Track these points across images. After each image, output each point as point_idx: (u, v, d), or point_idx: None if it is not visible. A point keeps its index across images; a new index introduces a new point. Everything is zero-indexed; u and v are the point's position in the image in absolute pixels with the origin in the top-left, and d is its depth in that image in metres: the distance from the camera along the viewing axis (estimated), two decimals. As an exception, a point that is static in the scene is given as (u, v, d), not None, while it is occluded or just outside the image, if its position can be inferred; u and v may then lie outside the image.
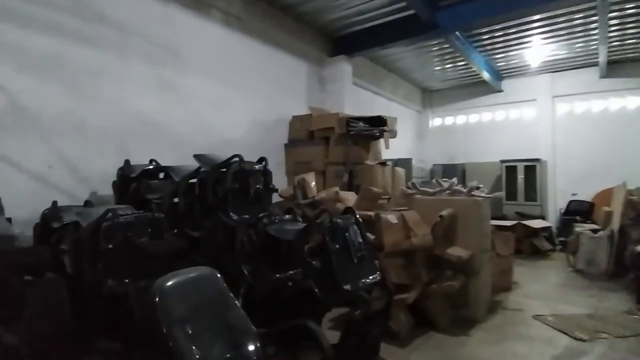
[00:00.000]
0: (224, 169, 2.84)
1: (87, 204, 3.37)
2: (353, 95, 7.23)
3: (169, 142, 4.50)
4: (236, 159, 2.83)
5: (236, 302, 2.03)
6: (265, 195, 2.95)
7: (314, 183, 4.29)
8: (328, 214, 2.41)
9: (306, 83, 6.80)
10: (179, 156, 3.66)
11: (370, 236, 2.82)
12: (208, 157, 3.06)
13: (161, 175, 3.67)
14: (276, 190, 3.06)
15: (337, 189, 4.25)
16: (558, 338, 3.39)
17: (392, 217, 3.26)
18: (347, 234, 2.39)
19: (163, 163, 3.68)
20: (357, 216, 2.56)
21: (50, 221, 3.07)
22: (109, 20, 4.08)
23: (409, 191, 3.99)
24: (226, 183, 2.74)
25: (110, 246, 2.37)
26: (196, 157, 3.08)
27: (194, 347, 1.71)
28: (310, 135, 5.93)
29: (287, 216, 2.90)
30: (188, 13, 4.89)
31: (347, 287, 2.20)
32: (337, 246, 2.30)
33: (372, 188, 4.07)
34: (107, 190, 3.71)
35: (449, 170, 9.07)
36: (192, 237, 2.90)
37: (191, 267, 2.01)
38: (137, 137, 4.29)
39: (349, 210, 2.59)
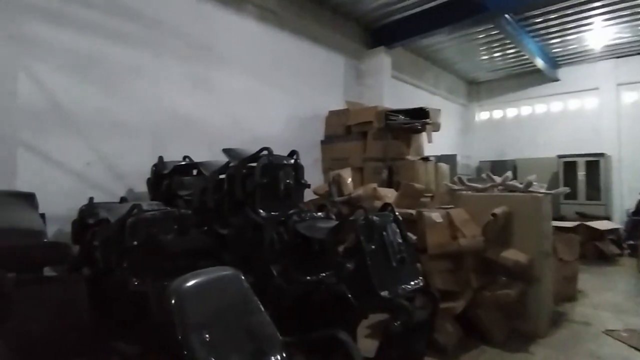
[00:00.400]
0: (253, 164, 2.68)
1: (123, 200, 3.36)
2: (392, 89, 6.89)
3: (203, 138, 4.45)
4: (265, 152, 2.66)
5: (260, 306, 1.84)
6: (296, 191, 2.76)
7: (350, 179, 4.05)
8: (363, 210, 2.15)
9: (343, 77, 6.56)
10: (213, 153, 3.57)
11: (412, 237, 2.53)
12: (237, 151, 2.92)
13: (195, 171, 3.62)
14: (308, 186, 2.85)
15: (375, 185, 3.97)
16: (636, 358, 2.90)
17: (436, 215, 2.95)
18: (384, 232, 2.13)
19: (198, 160, 3.62)
20: (397, 213, 2.29)
21: (86, 217, 3.08)
22: (145, 19, 4.10)
23: (455, 187, 3.62)
24: (254, 177, 2.57)
25: (135, 243, 2.29)
26: (225, 151, 2.96)
27: (211, 357, 1.53)
28: (347, 131, 5.68)
29: (319, 213, 2.68)
30: (223, 9, 4.83)
31: (385, 293, 1.94)
32: (373, 246, 2.04)
33: (414, 184, 3.76)
34: (144, 188, 3.72)
35: (497, 166, 8.43)
36: (221, 235, 2.77)
37: (212, 267, 1.84)
38: (173, 134, 4.28)
39: (387, 207, 2.33)
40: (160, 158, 3.69)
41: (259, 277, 2.41)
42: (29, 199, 2.56)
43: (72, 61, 3.59)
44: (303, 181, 2.82)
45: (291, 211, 2.55)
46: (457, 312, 2.73)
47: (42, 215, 2.62)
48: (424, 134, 5.21)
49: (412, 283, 2.13)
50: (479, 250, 2.92)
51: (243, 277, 1.88)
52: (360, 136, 5.48)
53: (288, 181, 2.66)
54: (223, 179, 2.89)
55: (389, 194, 3.68)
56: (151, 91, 4.15)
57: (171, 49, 4.31)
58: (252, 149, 2.79)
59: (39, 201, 2.91)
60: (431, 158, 5.32)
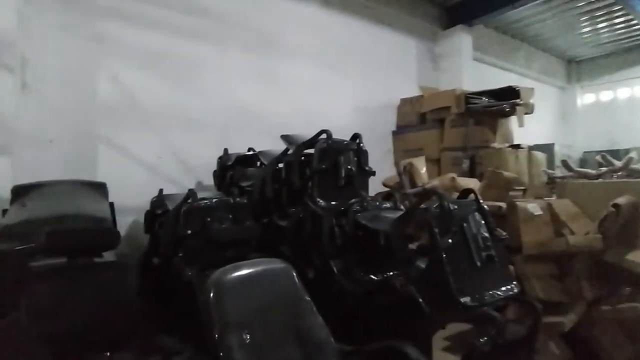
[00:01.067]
0: (312, 150, 2.44)
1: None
2: (473, 72, 6.17)
3: (269, 130, 4.32)
4: (323, 135, 2.39)
5: (313, 307, 1.58)
6: (359, 179, 2.45)
7: (424, 169, 3.60)
8: (438, 196, 1.76)
9: (416, 62, 6.04)
10: (279, 144, 3.47)
11: (501, 232, 2.06)
12: (295, 137, 2.71)
13: (259, 163, 3.52)
14: (373, 173, 2.52)
15: (453, 174, 3.47)
16: None
17: (533, 207, 2.39)
18: (465, 224, 1.71)
19: (262, 151, 3.51)
20: (480, 201, 1.85)
21: (156, 208, 3.14)
22: (209, 13, 4.13)
23: (559, 174, 2.97)
24: (312, 164, 2.32)
25: (189, 231, 2.19)
26: (283, 137, 2.77)
27: (249, 362, 1.31)
28: (421, 119, 5.19)
29: (385, 204, 2.34)
30: (286, -2, 4.71)
31: (466, 300, 1.53)
32: (451, 241, 1.64)
33: (502, 172, 3.19)
34: (212, 180, 3.73)
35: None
36: (281, 227, 2.58)
37: (260, 259, 1.63)
38: (239, 126, 4.25)
39: (468, 193, 1.90)
40: (225, 150, 3.66)
41: (317, 273, 2.16)
42: (99, 188, 2.63)
43: (145, 58, 3.73)
44: (367, 168, 2.50)
45: (352, 200, 2.24)
46: (566, 329, 2.16)
47: (111, 205, 2.69)
48: (513, 118, 4.51)
49: (504, 289, 1.68)
50: (594, 251, 2.29)
51: (295, 273, 1.64)
52: (436, 124, 4.96)
53: (350, 167, 2.36)
54: (282, 167, 2.71)
55: (471, 184, 3.16)
56: (217, 84, 4.16)
57: (236, 41, 4.29)
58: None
59: (118, 193, 3.06)
60: (523, 146, 4.59)
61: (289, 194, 2.54)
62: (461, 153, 4.54)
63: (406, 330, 1.62)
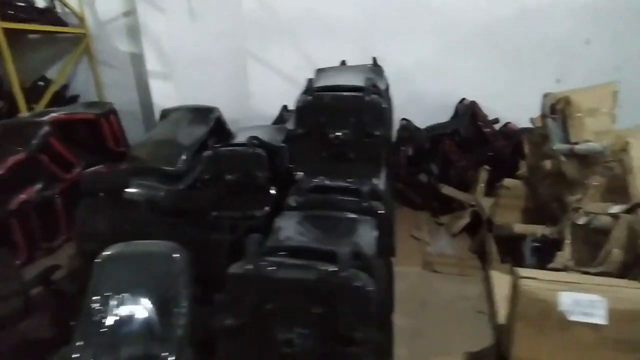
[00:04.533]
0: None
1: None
2: None
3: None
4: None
5: (186, 301, 1.58)
6: (361, 148, 1.73)
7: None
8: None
9: None
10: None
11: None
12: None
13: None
14: (386, 140, 1.70)
15: None
16: None
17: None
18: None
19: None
20: None
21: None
22: None
23: None
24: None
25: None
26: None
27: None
28: None
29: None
30: None
31: None
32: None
33: None
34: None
35: None
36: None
37: (153, 242, 1.72)
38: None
39: None
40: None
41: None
42: (205, 113, 3.11)
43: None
44: (377, 133, 1.70)
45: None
46: None
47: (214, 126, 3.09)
48: None
49: None
50: None
51: (182, 262, 1.64)
52: None
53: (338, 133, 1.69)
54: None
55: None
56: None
57: None
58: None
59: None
60: None
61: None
62: None
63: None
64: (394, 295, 2.03)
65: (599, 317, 0.98)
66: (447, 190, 3.15)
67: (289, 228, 1.42)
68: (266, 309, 1.06)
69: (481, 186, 2.96)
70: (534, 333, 1.02)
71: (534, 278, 1.04)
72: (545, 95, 2.10)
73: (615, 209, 1.53)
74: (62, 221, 2.91)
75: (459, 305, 2.31)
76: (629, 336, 0.96)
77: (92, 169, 2.67)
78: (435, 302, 2.34)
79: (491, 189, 2.85)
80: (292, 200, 1.60)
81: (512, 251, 2.27)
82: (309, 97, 1.79)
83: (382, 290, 1.20)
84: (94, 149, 3.42)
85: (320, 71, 2.29)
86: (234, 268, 1.13)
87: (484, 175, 2.96)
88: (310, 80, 1.88)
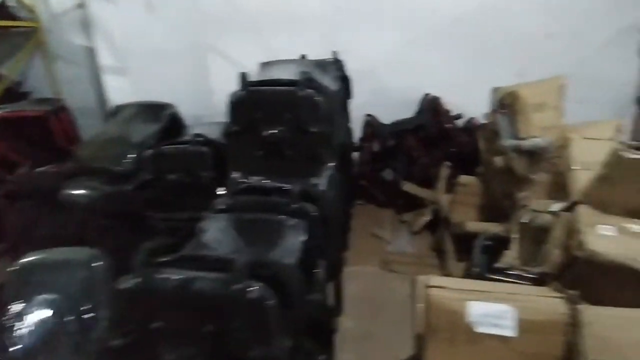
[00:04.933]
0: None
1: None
2: None
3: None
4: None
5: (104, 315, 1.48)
6: (302, 146, 1.65)
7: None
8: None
9: None
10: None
11: None
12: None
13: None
14: (327, 136, 1.62)
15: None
16: None
17: None
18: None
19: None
20: None
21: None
22: None
23: None
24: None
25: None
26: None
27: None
28: None
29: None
30: None
31: None
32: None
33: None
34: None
35: None
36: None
37: (73, 248, 1.62)
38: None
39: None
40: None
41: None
42: (158, 110, 2.98)
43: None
44: (314, 129, 1.61)
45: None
46: None
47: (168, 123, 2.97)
48: None
49: None
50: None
51: (100, 266, 1.54)
52: None
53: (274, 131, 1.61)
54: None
55: None
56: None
57: None
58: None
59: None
60: None
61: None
62: None
63: None
64: (342, 298, 1.96)
65: (508, 329, 0.92)
66: (408, 187, 3.10)
67: (210, 233, 1.33)
68: (153, 327, 0.96)
69: (442, 183, 2.91)
70: (446, 345, 0.95)
71: (443, 287, 0.97)
72: (495, 90, 2.05)
73: (556, 206, 1.48)
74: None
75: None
76: (538, 349, 0.90)
77: (41, 168, 2.53)
78: (389, 304, 2.28)
79: (453, 186, 2.81)
80: (219, 202, 1.50)
81: (468, 249, 2.23)
82: (242, 92, 1.69)
83: (301, 301, 1.12)
84: (44, 148, 3.26)
85: (263, 65, 2.18)
86: (121, 282, 1.04)
87: (445, 171, 2.91)
88: (243, 75, 1.78)
